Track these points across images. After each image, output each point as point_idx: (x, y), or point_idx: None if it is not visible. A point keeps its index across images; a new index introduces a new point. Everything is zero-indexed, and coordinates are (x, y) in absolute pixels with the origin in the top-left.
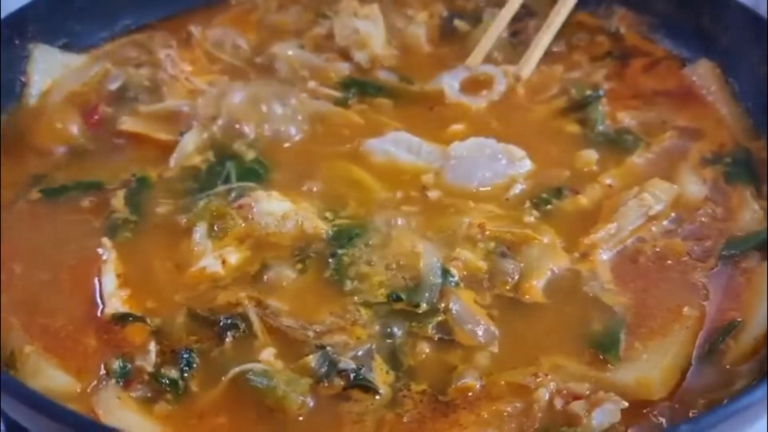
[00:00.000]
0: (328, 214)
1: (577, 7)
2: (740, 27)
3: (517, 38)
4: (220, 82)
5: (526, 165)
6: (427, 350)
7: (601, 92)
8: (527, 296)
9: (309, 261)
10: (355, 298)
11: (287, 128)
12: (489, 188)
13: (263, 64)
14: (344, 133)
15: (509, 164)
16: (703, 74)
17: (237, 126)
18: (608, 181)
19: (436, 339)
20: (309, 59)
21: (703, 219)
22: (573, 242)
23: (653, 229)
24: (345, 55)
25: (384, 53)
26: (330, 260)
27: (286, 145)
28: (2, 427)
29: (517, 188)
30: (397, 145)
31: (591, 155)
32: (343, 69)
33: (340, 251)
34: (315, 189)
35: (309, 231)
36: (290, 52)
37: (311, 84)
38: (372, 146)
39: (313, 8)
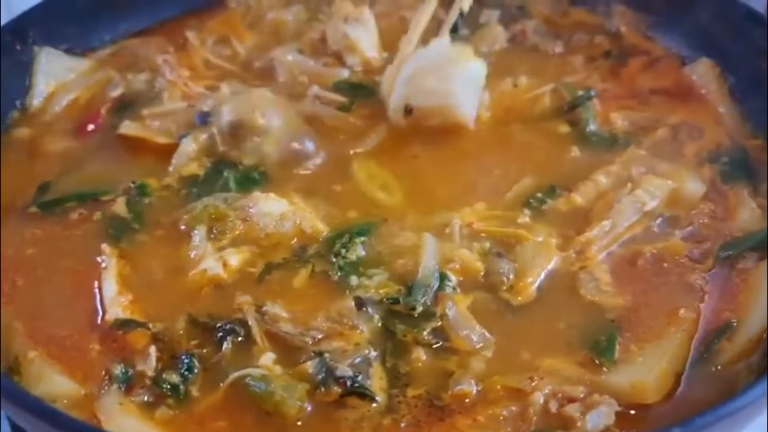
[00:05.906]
0: (326, 216)
1: (576, 4)
2: (740, 24)
3: (514, 42)
4: (218, 87)
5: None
6: (424, 357)
7: (592, 93)
8: (522, 296)
9: (308, 262)
10: (355, 297)
11: (286, 136)
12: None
13: (262, 69)
14: (343, 139)
15: None
16: (703, 73)
17: (235, 132)
18: (602, 179)
19: (432, 345)
20: (308, 64)
21: (701, 220)
22: (568, 241)
23: (654, 229)
24: (341, 59)
25: (376, 57)
26: (328, 261)
27: (285, 153)
28: None
29: (511, 188)
30: None
31: (580, 153)
32: (342, 74)
33: (339, 252)
34: (314, 196)
35: (308, 231)
36: (289, 57)
37: (313, 89)
38: None
39: (310, 9)
